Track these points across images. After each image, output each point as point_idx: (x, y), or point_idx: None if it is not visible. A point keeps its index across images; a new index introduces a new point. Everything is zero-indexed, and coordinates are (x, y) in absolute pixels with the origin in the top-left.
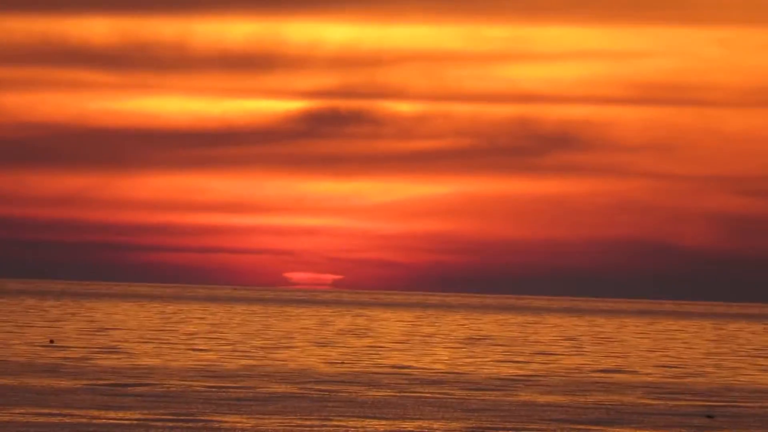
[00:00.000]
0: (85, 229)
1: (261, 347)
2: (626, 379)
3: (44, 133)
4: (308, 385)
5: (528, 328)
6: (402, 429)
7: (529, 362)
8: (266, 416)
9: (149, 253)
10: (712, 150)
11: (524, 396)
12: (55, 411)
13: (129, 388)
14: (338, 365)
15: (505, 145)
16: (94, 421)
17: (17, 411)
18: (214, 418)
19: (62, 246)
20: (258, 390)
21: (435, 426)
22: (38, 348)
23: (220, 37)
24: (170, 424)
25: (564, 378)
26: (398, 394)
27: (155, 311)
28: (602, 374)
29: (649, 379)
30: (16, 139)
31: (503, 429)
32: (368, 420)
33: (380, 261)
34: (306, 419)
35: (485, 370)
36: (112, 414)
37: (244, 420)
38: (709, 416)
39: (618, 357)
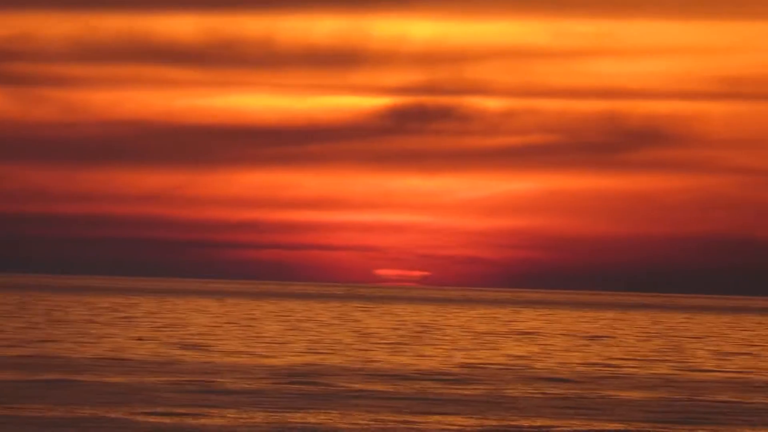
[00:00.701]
0: (172, 227)
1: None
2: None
3: (131, 131)
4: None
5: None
6: None
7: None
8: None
9: (237, 250)
10: None
11: None
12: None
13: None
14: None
15: (592, 141)
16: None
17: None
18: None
19: (150, 243)
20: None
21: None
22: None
23: (306, 33)
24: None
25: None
26: None
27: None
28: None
29: None
30: (103, 136)
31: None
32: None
33: (468, 257)
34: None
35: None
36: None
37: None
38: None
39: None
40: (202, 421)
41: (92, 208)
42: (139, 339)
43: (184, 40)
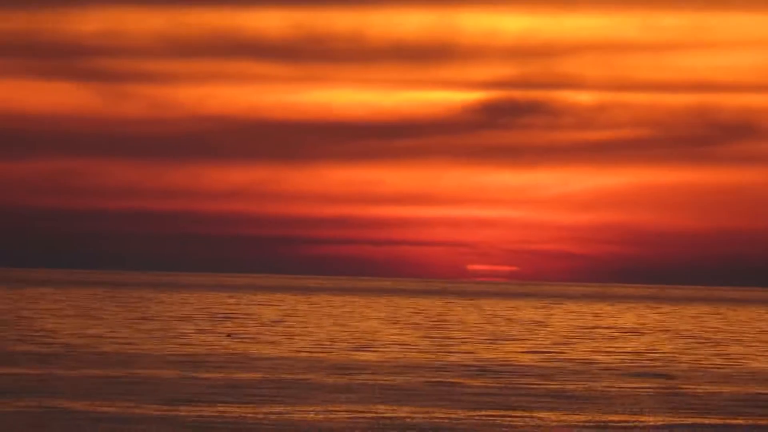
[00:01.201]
0: (260, 223)
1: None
2: None
3: (218, 127)
4: None
5: None
6: None
7: None
8: None
9: (325, 245)
10: None
11: None
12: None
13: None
14: None
15: (684, 135)
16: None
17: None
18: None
19: (237, 240)
20: None
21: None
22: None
23: (395, 28)
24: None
25: None
26: None
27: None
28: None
29: None
30: (190, 132)
31: None
32: None
33: (559, 252)
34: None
35: None
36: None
37: None
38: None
39: None
40: None
41: (179, 205)
42: (228, 335)
43: (272, 35)
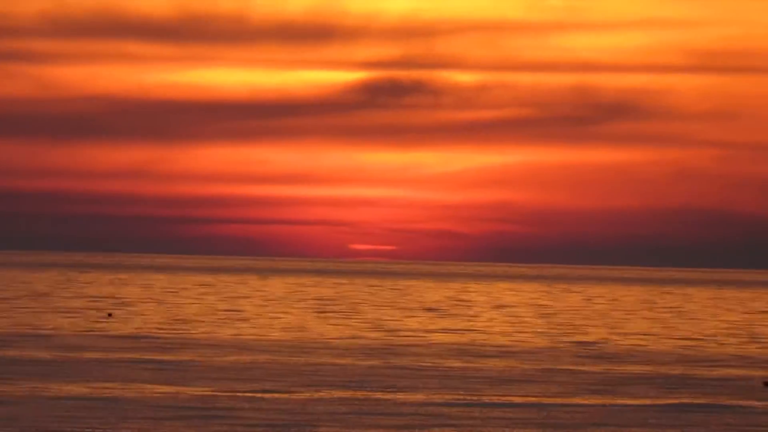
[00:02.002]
0: (143, 202)
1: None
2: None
3: (102, 107)
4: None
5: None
6: None
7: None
8: None
9: (208, 225)
10: None
11: None
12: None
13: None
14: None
15: (565, 115)
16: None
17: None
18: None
19: (121, 219)
20: None
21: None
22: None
23: (279, 8)
24: None
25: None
26: None
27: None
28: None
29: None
30: (74, 112)
31: None
32: None
33: (440, 231)
34: None
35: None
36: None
37: None
38: (766, 383)
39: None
40: None
41: (63, 184)
42: (109, 315)
43: (156, 16)
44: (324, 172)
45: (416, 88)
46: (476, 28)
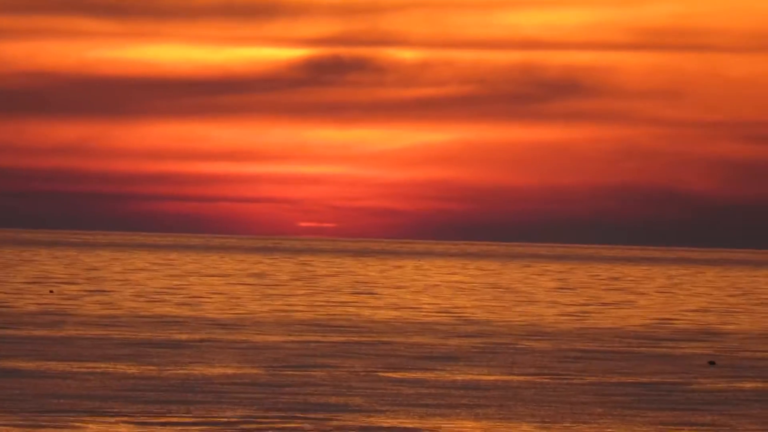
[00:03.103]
0: (84, 179)
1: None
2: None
3: (43, 82)
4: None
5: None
6: None
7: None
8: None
9: (150, 202)
10: (718, 95)
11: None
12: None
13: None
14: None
15: (509, 92)
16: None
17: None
18: None
19: (62, 196)
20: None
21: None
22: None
23: None
24: None
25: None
26: None
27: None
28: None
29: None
30: (15, 88)
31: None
32: None
33: (383, 209)
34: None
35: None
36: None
37: None
38: (711, 363)
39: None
40: None
41: (5, 161)
42: (50, 292)
43: None
44: (268, 150)
45: (359, 65)
46: (420, 5)
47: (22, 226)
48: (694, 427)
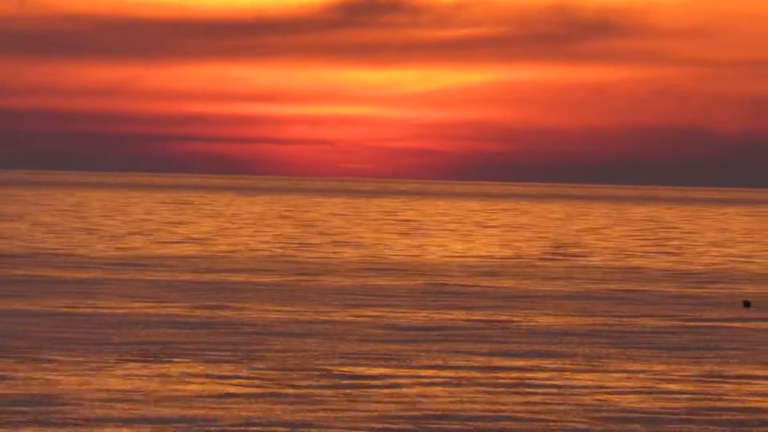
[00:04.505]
0: (123, 120)
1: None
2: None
3: (81, 25)
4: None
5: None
6: None
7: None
8: None
9: (187, 143)
10: (753, 35)
11: None
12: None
13: None
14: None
15: (544, 33)
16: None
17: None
18: None
19: (101, 137)
20: None
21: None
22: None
23: None
24: None
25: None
26: None
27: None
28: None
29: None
30: (53, 31)
31: None
32: None
33: (419, 149)
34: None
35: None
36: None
37: None
38: (746, 304)
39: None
40: None
41: (42, 102)
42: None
43: None
44: (302, 91)
45: (394, 6)
46: None
47: (61, 167)
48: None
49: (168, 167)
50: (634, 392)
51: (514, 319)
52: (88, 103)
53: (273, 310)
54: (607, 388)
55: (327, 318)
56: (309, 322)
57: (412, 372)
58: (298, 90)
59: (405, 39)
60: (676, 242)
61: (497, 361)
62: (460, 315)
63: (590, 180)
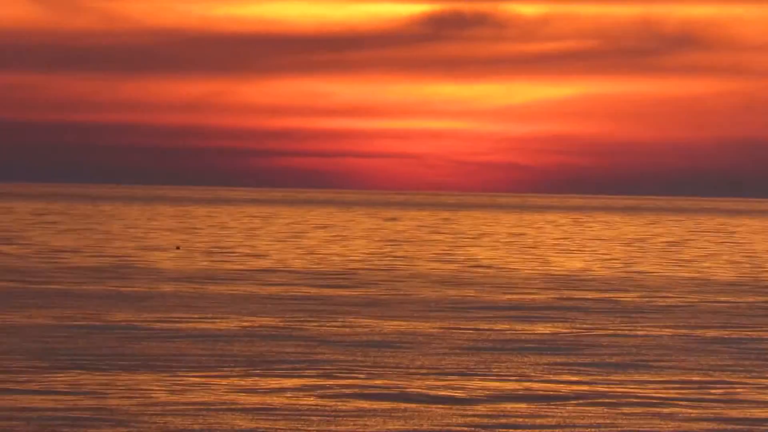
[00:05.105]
0: (210, 135)
1: None
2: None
3: (169, 40)
4: None
5: None
6: None
7: None
8: None
9: (273, 158)
10: None
11: None
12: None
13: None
14: None
15: (629, 46)
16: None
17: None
18: None
19: (189, 152)
20: None
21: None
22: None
23: None
24: None
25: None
26: None
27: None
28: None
29: None
30: (141, 45)
31: None
32: None
33: (506, 163)
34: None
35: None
36: None
37: None
38: None
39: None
40: None
41: (132, 117)
42: (177, 248)
43: None
44: (389, 105)
45: (480, 20)
46: None
47: (150, 182)
48: None
49: (255, 182)
50: None
51: None
52: (176, 119)
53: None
54: None
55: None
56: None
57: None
58: (385, 104)
59: (491, 53)
60: None
61: None
62: None
63: (677, 193)
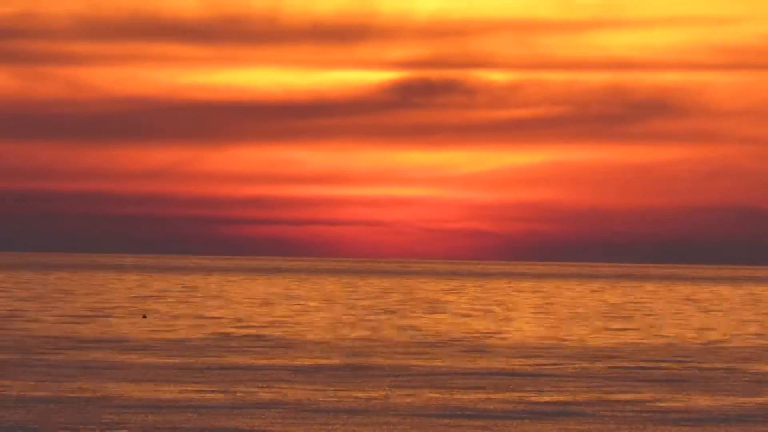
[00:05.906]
0: (176, 203)
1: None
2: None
3: (135, 108)
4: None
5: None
6: None
7: None
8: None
9: (241, 226)
10: None
11: None
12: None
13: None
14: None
15: (599, 113)
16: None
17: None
18: None
19: (154, 220)
20: None
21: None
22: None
23: (311, 8)
24: None
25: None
26: None
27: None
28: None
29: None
30: (106, 113)
31: None
32: None
33: (474, 231)
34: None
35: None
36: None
37: None
38: None
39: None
40: None
41: (97, 186)
42: (144, 317)
43: (189, 17)
44: (357, 172)
45: (449, 87)
46: (508, 27)
47: (113, 250)
48: None
49: (222, 249)
50: None
51: None
52: (142, 186)
53: None
54: None
55: None
56: None
57: None
58: (354, 171)
59: (460, 120)
60: None
61: None
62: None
63: (644, 260)
